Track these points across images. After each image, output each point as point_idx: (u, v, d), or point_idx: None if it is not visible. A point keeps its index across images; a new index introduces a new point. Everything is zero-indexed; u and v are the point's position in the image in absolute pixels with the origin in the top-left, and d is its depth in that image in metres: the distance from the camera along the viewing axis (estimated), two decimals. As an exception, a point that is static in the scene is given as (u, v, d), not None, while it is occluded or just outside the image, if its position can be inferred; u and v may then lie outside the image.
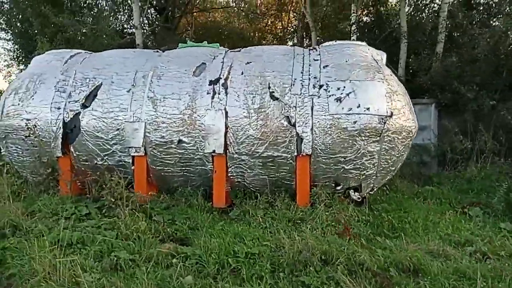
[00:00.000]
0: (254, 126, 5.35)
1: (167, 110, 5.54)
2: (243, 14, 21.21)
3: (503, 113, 7.70)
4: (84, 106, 5.72)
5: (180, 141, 5.52)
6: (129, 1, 13.61)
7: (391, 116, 5.21)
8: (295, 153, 5.34)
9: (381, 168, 5.52)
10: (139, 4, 11.41)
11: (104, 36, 10.61)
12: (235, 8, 21.13)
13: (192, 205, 5.44)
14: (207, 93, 5.53)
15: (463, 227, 4.80)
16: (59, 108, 5.76)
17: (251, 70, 5.65)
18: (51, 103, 5.79)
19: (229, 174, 5.63)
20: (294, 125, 5.29)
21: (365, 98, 5.20)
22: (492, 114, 8.06)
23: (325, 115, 5.23)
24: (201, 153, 5.53)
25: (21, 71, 10.21)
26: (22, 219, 4.66)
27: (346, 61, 5.54)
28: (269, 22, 21.23)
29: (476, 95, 8.04)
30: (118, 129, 5.60)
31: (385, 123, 5.17)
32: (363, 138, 5.19)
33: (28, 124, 5.65)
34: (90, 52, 6.77)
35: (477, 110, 8.06)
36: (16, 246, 3.95)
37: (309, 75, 5.46)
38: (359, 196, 5.56)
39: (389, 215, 5.15)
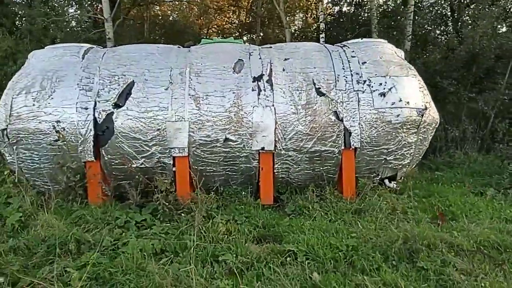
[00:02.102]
0: (303, 122, 5.40)
1: (211, 108, 5.33)
2: (196, 9, 20.77)
3: (481, 104, 8.68)
4: (117, 106, 5.25)
5: (226, 139, 5.35)
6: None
7: (426, 109, 5.63)
8: (342, 147, 5.51)
9: (414, 158, 5.94)
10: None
11: (79, 28, 9.64)
12: (186, 2, 20.53)
13: (243, 203, 5.33)
14: (252, 90, 5.44)
15: (492, 206, 5.38)
16: (86, 108, 5.21)
17: (292, 67, 5.68)
18: (76, 103, 5.21)
19: (275, 171, 5.60)
20: (341, 120, 5.45)
21: (405, 93, 5.55)
22: (468, 104, 9.02)
23: (370, 110, 5.47)
24: (248, 151, 5.43)
25: None
26: (80, 231, 4.18)
27: (381, 58, 5.84)
28: (226, 17, 21.05)
29: (456, 89, 8.94)
30: (159, 129, 5.25)
31: (422, 115, 5.58)
32: (405, 130, 5.54)
33: (56, 127, 5.02)
34: (101, 46, 6.19)
35: (457, 102, 8.97)
36: (102, 262, 3.56)
37: (351, 71, 5.65)
38: (396, 184, 5.92)
39: (430, 200, 5.56)
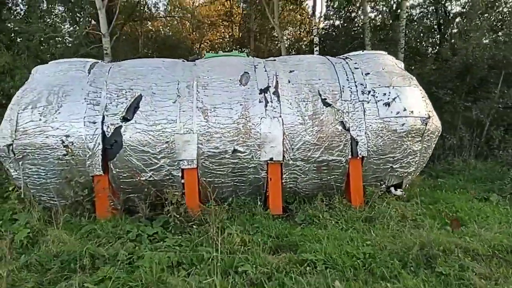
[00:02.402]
0: (310, 132, 5.46)
1: (219, 120, 5.36)
2: (188, 24, 20.96)
3: (476, 113, 8.88)
4: (125, 119, 5.24)
5: (234, 151, 5.37)
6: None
7: (429, 117, 5.75)
8: (349, 156, 5.57)
9: (419, 165, 6.03)
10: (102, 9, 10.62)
11: (76, 43, 9.62)
12: (178, 18, 20.72)
13: (253, 213, 5.31)
14: (259, 102, 5.49)
15: (499, 211, 5.48)
16: (94, 123, 5.19)
17: (297, 78, 5.77)
18: (84, 117, 5.19)
19: (283, 181, 5.62)
20: (348, 130, 5.52)
21: (408, 103, 5.67)
22: (464, 113, 9.22)
23: (376, 119, 5.56)
24: (256, 162, 5.45)
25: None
26: (94, 246, 4.11)
27: (383, 69, 5.97)
28: (218, 32, 21.29)
29: (452, 98, 9.15)
30: (167, 141, 5.25)
31: (426, 124, 5.69)
32: (410, 138, 5.64)
33: (65, 142, 4.98)
34: (104, 61, 6.20)
35: (453, 111, 9.17)
36: (120, 276, 3.50)
37: (355, 82, 5.76)
38: (403, 192, 5.99)
39: (436, 207, 5.63)
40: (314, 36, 13.46)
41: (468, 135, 9.00)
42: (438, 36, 13.31)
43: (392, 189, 6.07)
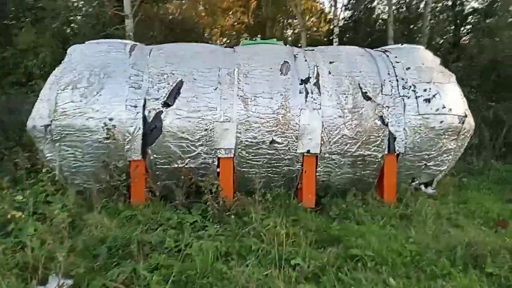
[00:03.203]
0: (349, 126, 5.43)
1: (259, 109, 5.32)
2: (201, 7, 20.66)
3: (500, 113, 8.84)
4: (166, 105, 5.20)
5: (272, 141, 5.35)
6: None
7: (466, 116, 5.73)
8: (386, 152, 5.56)
9: (451, 164, 6.03)
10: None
11: (102, 21, 9.49)
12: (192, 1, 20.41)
13: (287, 206, 5.32)
14: (300, 93, 5.45)
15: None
16: (136, 106, 5.15)
17: (338, 70, 5.71)
18: (126, 100, 5.15)
19: (317, 174, 5.62)
20: (386, 125, 5.50)
21: (447, 100, 5.63)
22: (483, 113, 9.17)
23: (415, 115, 5.53)
24: (292, 153, 5.44)
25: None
26: (142, 233, 4.13)
27: (423, 64, 5.91)
28: (230, 18, 21.02)
29: (475, 97, 9.09)
30: (206, 129, 5.22)
31: (463, 122, 5.67)
32: (446, 136, 5.63)
33: (108, 125, 4.95)
34: (145, 43, 6.12)
35: (476, 110, 9.10)
36: (172, 264, 3.51)
37: (396, 76, 5.70)
38: (435, 191, 6.00)
39: (467, 207, 5.65)
40: (335, 26, 13.34)
41: (489, 135, 8.97)
42: (456, 33, 13.25)
43: (423, 187, 6.08)
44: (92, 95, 5.15)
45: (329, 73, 5.66)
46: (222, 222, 4.75)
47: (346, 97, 5.52)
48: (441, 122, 5.55)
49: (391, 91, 5.60)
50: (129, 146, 5.16)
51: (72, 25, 9.53)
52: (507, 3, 9.36)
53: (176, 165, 5.28)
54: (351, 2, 14.77)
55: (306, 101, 5.41)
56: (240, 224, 4.68)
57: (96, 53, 5.57)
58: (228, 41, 23.04)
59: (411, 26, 12.54)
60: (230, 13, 20.62)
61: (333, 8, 13.06)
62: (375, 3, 13.82)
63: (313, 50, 6.16)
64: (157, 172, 5.40)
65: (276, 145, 5.38)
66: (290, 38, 20.25)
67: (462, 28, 14.14)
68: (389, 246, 4.02)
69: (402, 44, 6.59)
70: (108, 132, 4.94)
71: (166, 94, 5.23)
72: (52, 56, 8.57)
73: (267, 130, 5.32)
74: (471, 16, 14.43)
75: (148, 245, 3.98)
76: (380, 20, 13.40)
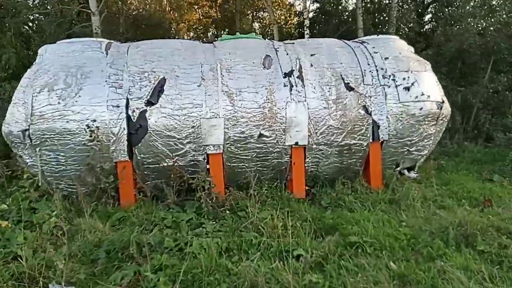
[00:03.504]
0: (334, 116, 5.52)
1: (245, 104, 5.30)
2: (165, 2, 20.23)
3: (469, 97, 9.27)
4: (150, 103, 5.06)
5: (260, 135, 5.34)
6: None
7: (443, 102, 5.96)
8: (370, 140, 5.69)
9: (431, 148, 6.27)
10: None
11: (69, 19, 9.04)
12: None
13: (280, 198, 5.35)
14: (284, 86, 5.47)
15: (508, 192, 5.81)
16: (118, 106, 4.99)
17: (319, 62, 5.77)
18: (107, 100, 4.97)
19: (305, 165, 5.68)
20: (370, 114, 5.63)
21: (425, 87, 5.84)
22: (457, 98, 9.60)
23: (396, 103, 5.70)
24: (281, 146, 5.46)
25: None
26: (139, 234, 4.02)
27: (400, 54, 6.08)
28: (197, 13, 20.70)
29: (446, 83, 9.46)
30: (193, 126, 5.14)
31: (441, 108, 5.90)
32: (426, 122, 5.84)
33: (91, 127, 4.76)
34: (116, 41, 5.91)
35: (447, 95, 9.49)
36: (175, 264, 3.46)
37: (376, 66, 5.84)
38: (417, 174, 6.22)
39: (449, 188, 5.90)
40: (305, 19, 13.44)
41: (460, 118, 9.40)
42: (420, 22, 13.75)
43: (406, 171, 6.28)
44: (70, 97, 4.93)
45: (311, 65, 5.71)
46: (218, 218, 4.71)
47: (330, 88, 5.59)
48: (421, 109, 5.74)
49: (372, 81, 5.74)
50: (115, 147, 5.00)
51: (35, 23, 9.01)
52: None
53: (164, 164, 5.17)
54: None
55: (291, 94, 5.44)
56: (235, 219, 4.67)
57: (70, 53, 5.33)
58: (195, 35, 22.77)
59: (378, 16, 12.86)
60: (197, 7, 20.25)
61: (302, 1, 13.14)
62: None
63: (293, 43, 6.18)
64: (145, 172, 5.27)
65: (264, 138, 5.38)
66: (258, 32, 20.25)
67: (425, 18, 14.74)
68: (384, 231, 4.14)
69: (377, 35, 6.73)
70: (92, 134, 4.75)
71: (149, 92, 5.10)
72: (17, 57, 8.12)
73: (254, 125, 5.31)
74: (431, 6, 15.05)
75: (147, 246, 3.87)
76: (347, 12, 13.64)
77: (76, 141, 4.90)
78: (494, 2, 10.17)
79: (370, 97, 5.66)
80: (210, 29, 23.16)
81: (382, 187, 5.76)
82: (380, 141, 5.73)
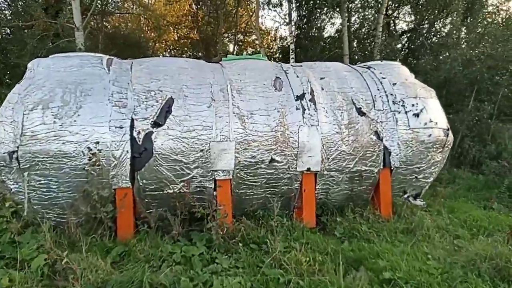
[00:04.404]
0: (346, 142, 5.34)
1: (257, 127, 5.02)
2: (145, 21, 19.87)
3: (456, 124, 9.46)
4: (156, 124, 4.67)
5: (272, 160, 5.06)
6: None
7: (448, 129, 5.96)
8: (381, 166, 5.54)
9: (435, 176, 6.20)
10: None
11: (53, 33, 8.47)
12: (136, 15, 19.52)
13: (291, 227, 5.03)
14: (297, 109, 5.25)
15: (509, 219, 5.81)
16: (121, 127, 4.55)
17: (330, 86, 5.63)
18: (109, 121, 4.53)
19: (315, 192, 5.42)
20: (381, 140, 5.50)
21: (433, 114, 5.81)
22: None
23: (406, 129, 5.61)
24: (292, 172, 5.19)
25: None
26: (152, 274, 3.55)
27: (406, 80, 6.06)
28: (176, 33, 20.46)
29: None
30: (202, 150, 4.78)
31: (447, 135, 5.87)
32: (434, 149, 5.78)
33: (93, 149, 4.28)
34: (117, 57, 5.51)
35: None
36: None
37: (385, 92, 5.76)
38: (424, 202, 6.10)
39: (457, 216, 5.82)
40: (291, 43, 13.52)
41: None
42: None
43: (411, 198, 6.16)
44: (68, 115, 4.45)
45: (322, 89, 5.56)
46: (230, 252, 4.32)
47: (342, 113, 5.43)
48: (429, 135, 5.69)
49: (383, 106, 5.64)
50: (115, 172, 4.52)
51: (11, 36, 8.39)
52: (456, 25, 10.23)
53: (169, 191, 4.75)
54: (299, 18, 15.13)
55: (303, 117, 5.22)
56: (249, 252, 4.30)
57: (68, 68, 4.88)
58: (174, 55, 22.46)
59: (364, 42, 13.16)
60: (178, 27, 20.03)
61: (288, 25, 13.23)
62: (326, 20, 14.30)
63: (301, 65, 6.03)
64: (146, 200, 4.81)
65: (276, 164, 5.10)
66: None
67: (400, 46, 15.26)
68: (412, 265, 3.92)
69: (382, 61, 6.73)
70: (93, 157, 4.28)
71: (156, 112, 4.71)
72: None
73: (266, 149, 5.02)
74: (403, 36, 15.66)
75: (160, 287, 3.43)
76: (329, 38, 13.87)
77: (72, 165, 4.39)
78: (479, 30, 10.66)
79: (382, 123, 5.55)
80: (186, 49, 22.99)
81: (392, 215, 5.58)
82: (389, 168, 5.59)
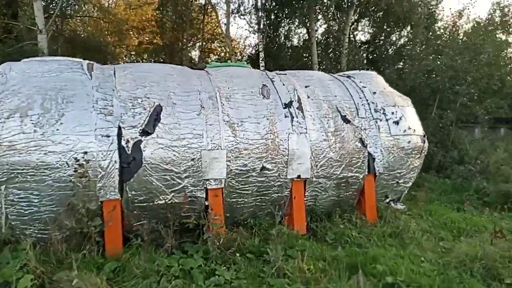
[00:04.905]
0: (334, 149, 5.42)
1: (247, 135, 4.96)
2: (104, 25, 19.19)
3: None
4: (145, 133, 4.47)
5: (263, 168, 5.01)
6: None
7: (425, 136, 6.24)
8: (366, 172, 5.68)
9: (413, 181, 6.46)
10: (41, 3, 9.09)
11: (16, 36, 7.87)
12: (96, 19, 18.80)
13: (284, 235, 4.98)
14: (285, 116, 5.26)
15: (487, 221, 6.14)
16: (108, 136, 4.31)
17: (315, 94, 5.71)
18: (95, 129, 4.28)
19: (304, 198, 5.44)
20: (366, 146, 5.64)
21: (411, 121, 6.07)
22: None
23: (387, 136, 5.81)
24: (282, 180, 5.18)
25: None
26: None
27: (385, 89, 6.29)
28: (138, 38, 19.94)
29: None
30: (193, 159, 4.64)
31: (424, 142, 6.15)
32: (413, 155, 6.03)
33: (80, 160, 4.01)
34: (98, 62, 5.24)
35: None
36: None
37: (367, 100, 5.94)
38: (404, 206, 6.32)
39: (437, 218, 6.06)
40: (260, 51, 13.61)
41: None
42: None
43: (392, 203, 6.36)
44: (50, 124, 4.15)
45: (308, 97, 5.62)
46: (227, 263, 4.20)
47: (328, 120, 5.52)
48: (409, 142, 5.93)
49: (365, 114, 5.81)
50: (102, 183, 4.27)
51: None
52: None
53: (160, 202, 4.55)
54: (268, 28, 15.32)
55: (292, 125, 5.24)
56: (246, 262, 4.22)
57: (46, 73, 4.56)
58: (135, 60, 21.89)
59: (329, 53, 13.55)
60: (142, 32, 19.54)
61: (257, 34, 13.32)
62: (293, 29, 14.57)
63: (285, 74, 6.07)
64: (135, 212, 4.57)
65: (266, 171, 5.06)
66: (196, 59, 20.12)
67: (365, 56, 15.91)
68: (409, 268, 4.02)
69: (360, 70, 6.94)
70: (80, 168, 4.01)
71: (144, 120, 4.52)
72: None
73: (257, 157, 4.97)
74: (363, 47, 16.37)
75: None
76: (301, 45, 14.16)
77: (55, 177, 4.09)
78: (438, 42, 11.36)
79: (365, 130, 5.70)
80: (148, 55, 22.46)
81: (377, 220, 5.72)
82: (373, 174, 5.74)
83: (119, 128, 4.39)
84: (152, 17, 19.30)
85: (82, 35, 17.55)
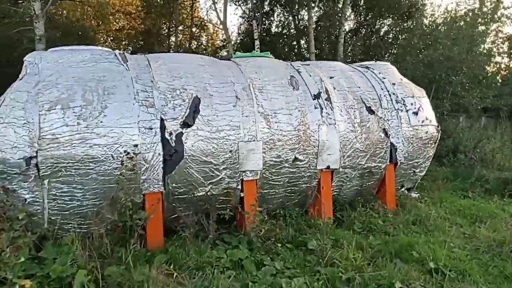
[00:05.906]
0: (360, 140, 5.57)
1: (281, 126, 5.02)
2: (93, 10, 18.45)
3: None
4: (186, 125, 4.46)
5: (295, 159, 5.11)
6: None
7: (439, 126, 6.50)
8: (388, 162, 5.87)
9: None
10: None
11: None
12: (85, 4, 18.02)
13: (317, 225, 5.13)
14: (315, 108, 5.34)
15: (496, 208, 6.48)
16: (151, 128, 4.27)
17: (340, 85, 5.81)
18: (138, 121, 4.22)
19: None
20: (389, 137, 5.82)
21: (428, 112, 6.30)
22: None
23: (408, 127, 6.01)
24: (312, 170, 5.29)
25: None
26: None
27: (402, 80, 6.47)
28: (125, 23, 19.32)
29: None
30: (231, 150, 4.67)
31: (438, 132, 6.41)
32: (429, 145, 6.27)
33: (130, 153, 3.96)
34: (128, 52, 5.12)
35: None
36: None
37: (388, 91, 6.09)
38: (418, 194, 6.59)
39: (448, 206, 6.37)
40: (256, 39, 13.54)
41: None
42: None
43: (405, 191, 6.62)
44: (93, 116, 4.07)
45: (334, 88, 5.72)
46: (270, 253, 4.30)
47: (354, 111, 5.65)
48: (426, 132, 6.16)
49: (387, 105, 5.97)
50: (146, 176, 4.24)
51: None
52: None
53: (199, 194, 4.57)
54: (262, 16, 15.23)
55: (322, 116, 5.34)
56: (288, 252, 4.34)
57: (81, 63, 4.44)
58: (115, 47, 21.23)
59: (326, 43, 13.67)
60: (128, 16, 18.93)
61: (254, 21, 13.22)
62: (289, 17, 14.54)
63: (309, 65, 6.13)
64: (174, 204, 4.58)
65: (298, 162, 5.15)
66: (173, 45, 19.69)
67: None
68: (444, 253, 4.25)
69: (375, 61, 7.08)
70: (130, 161, 3.97)
71: (185, 112, 4.49)
72: None
73: (290, 148, 5.05)
74: (354, 37, 16.52)
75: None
76: (295, 34, 14.16)
77: (100, 171, 4.03)
78: (435, 33, 11.68)
79: (388, 121, 5.87)
80: (126, 41, 21.76)
81: (397, 208, 5.95)
82: (395, 164, 5.95)
83: (161, 120, 4.36)
84: (139, 1, 18.72)
85: (62, 20, 16.80)
